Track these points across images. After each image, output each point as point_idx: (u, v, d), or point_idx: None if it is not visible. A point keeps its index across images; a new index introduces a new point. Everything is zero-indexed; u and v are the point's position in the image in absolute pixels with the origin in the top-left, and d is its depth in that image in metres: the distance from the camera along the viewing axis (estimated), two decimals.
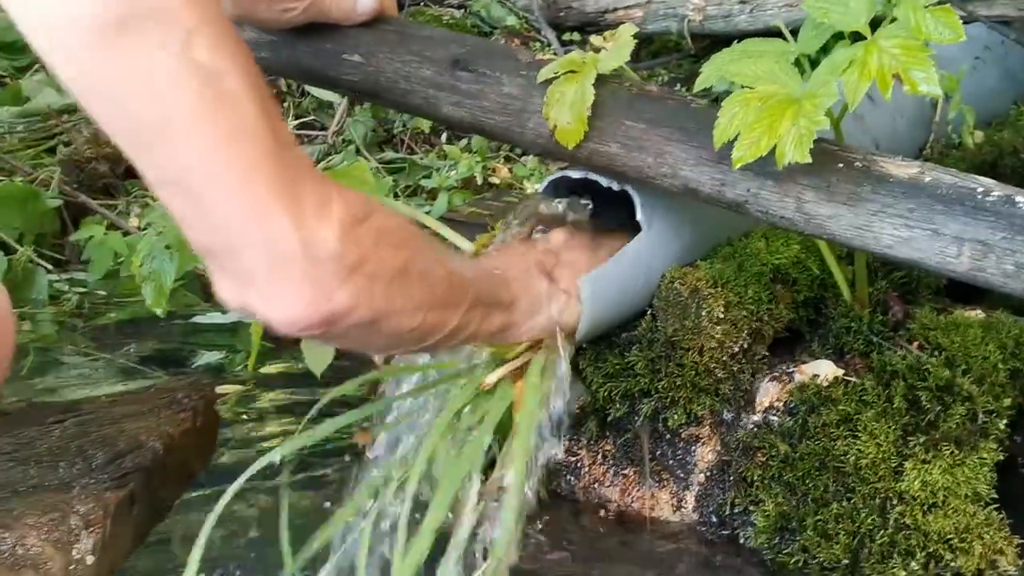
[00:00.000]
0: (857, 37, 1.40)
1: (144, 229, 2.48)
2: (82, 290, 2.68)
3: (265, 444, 1.99)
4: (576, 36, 3.21)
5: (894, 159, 1.45)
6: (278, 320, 1.17)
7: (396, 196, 2.97)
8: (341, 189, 1.20)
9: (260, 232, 1.12)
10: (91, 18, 1.04)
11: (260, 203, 1.11)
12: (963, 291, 1.81)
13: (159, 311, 2.03)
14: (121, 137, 1.11)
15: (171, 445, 1.64)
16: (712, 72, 1.50)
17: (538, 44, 3.42)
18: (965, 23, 2.33)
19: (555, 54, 2.90)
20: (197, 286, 2.70)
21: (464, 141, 3.28)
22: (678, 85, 2.83)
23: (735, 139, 1.40)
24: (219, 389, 2.09)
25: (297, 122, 3.38)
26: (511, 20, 3.54)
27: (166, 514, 1.67)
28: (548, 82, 1.60)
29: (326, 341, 1.32)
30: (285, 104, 3.45)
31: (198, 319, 2.54)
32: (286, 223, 1.12)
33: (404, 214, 2.44)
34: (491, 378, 1.57)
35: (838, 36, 1.44)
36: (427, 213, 2.52)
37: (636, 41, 1.58)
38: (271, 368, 2.28)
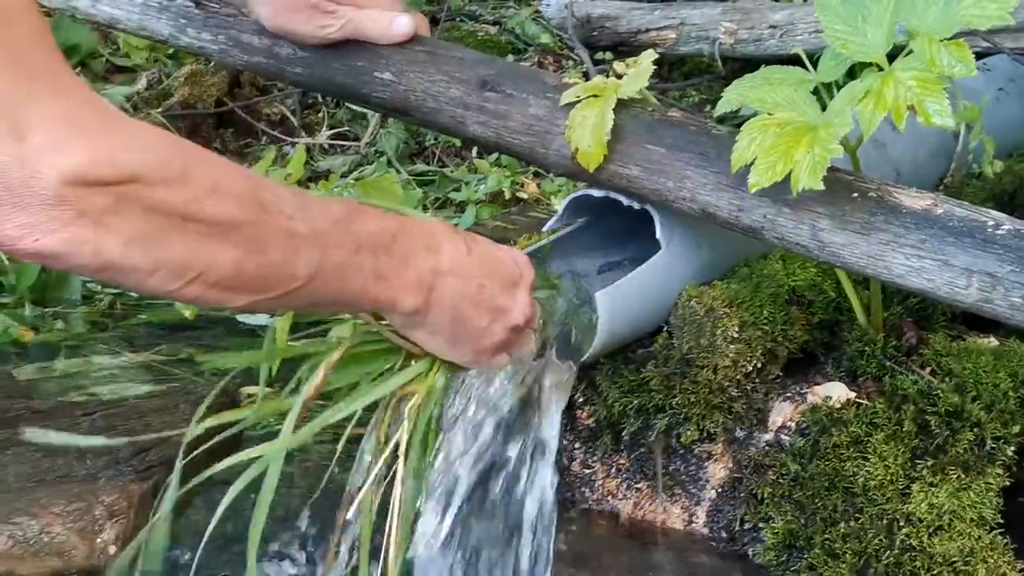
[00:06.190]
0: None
1: None
2: (115, 291, 2.73)
3: None
4: (609, 55, 3.23)
5: (908, 190, 1.48)
6: None
7: (426, 208, 3.01)
8: (131, 146, 1.03)
9: None
10: None
11: None
12: (979, 319, 1.83)
13: (187, 313, 2.06)
14: None
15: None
16: (733, 97, 1.54)
17: (571, 62, 3.46)
18: (990, 55, 2.38)
19: (585, 73, 2.95)
20: None
21: (494, 156, 3.32)
22: (708, 107, 2.86)
23: (752, 163, 1.44)
24: (244, 390, 2.13)
25: (331, 132, 3.44)
26: (545, 38, 3.58)
27: (188, 507, 1.71)
28: (571, 105, 1.64)
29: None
30: (320, 115, 3.51)
31: (235, 320, 2.58)
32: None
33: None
34: None
35: (864, 66, 1.48)
36: (454, 226, 2.56)
37: (655, 68, 1.62)
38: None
